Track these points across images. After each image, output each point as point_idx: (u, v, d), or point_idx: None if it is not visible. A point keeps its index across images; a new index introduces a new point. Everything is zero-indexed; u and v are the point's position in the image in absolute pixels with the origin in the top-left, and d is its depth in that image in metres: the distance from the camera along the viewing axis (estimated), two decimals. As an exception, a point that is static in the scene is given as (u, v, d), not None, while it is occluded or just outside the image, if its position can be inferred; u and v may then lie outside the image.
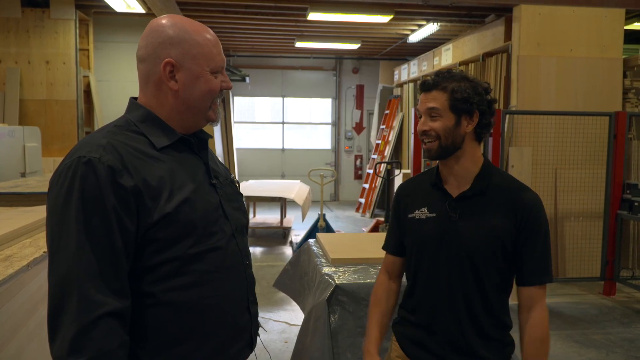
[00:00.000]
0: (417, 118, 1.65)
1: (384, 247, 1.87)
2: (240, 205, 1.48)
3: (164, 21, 1.32)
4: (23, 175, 5.75)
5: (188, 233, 1.25)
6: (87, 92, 7.51)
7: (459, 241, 1.59)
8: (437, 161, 1.68)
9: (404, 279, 1.81)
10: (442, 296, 1.62)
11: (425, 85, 1.62)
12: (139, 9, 6.42)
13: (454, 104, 1.56)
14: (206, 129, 1.44)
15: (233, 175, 1.57)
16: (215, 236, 1.31)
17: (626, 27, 6.32)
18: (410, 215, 1.70)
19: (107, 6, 6.58)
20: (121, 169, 1.19)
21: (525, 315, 1.59)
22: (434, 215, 1.64)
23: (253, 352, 1.49)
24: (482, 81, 1.63)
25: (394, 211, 1.80)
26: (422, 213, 1.67)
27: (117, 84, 8.06)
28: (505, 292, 1.64)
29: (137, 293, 1.22)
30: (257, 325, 1.49)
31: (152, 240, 1.22)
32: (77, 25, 6.86)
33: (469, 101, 1.56)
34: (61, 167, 1.20)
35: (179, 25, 1.31)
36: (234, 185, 1.50)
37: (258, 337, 1.51)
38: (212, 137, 1.49)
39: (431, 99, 1.58)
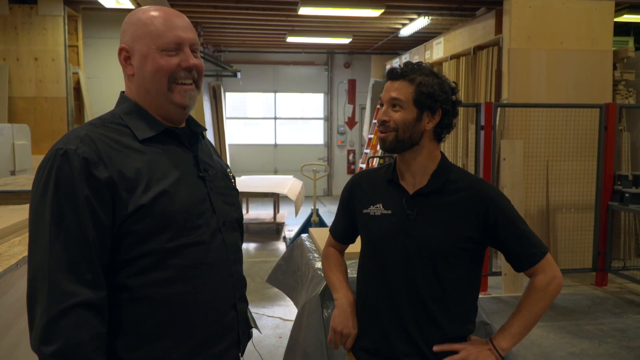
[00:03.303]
0: (379, 106, 1.61)
1: (331, 229, 1.85)
2: (233, 200, 1.44)
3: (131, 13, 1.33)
4: (13, 173, 5.70)
5: (166, 226, 1.23)
6: (77, 89, 7.44)
7: (417, 239, 1.53)
8: (394, 156, 1.64)
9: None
10: (399, 296, 1.55)
11: (392, 73, 1.56)
12: (128, 4, 6.37)
13: (418, 97, 1.51)
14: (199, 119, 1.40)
15: (230, 171, 1.53)
16: (199, 230, 1.28)
17: (616, 20, 6.34)
18: (364, 211, 1.64)
19: (96, 2, 6.51)
20: (96, 160, 1.18)
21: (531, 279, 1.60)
22: (389, 212, 1.59)
23: (247, 348, 1.45)
24: (450, 80, 1.59)
25: (345, 200, 1.75)
26: (377, 209, 1.61)
27: (107, 81, 8.00)
28: (468, 292, 1.60)
29: (115, 286, 1.21)
30: (247, 326, 1.45)
31: (128, 232, 1.20)
32: (66, 21, 6.79)
33: (434, 98, 1.51)
34: (42, 160, 1.21)
35: (135, 11, 1.32)
36: (227, 180, 1.45)
37: (251, 336, 1.46)
38: (206, 129, 1.46)
39: (396, 88, 1.53)
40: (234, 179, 1.51)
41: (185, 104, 1.31)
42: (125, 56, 1.30)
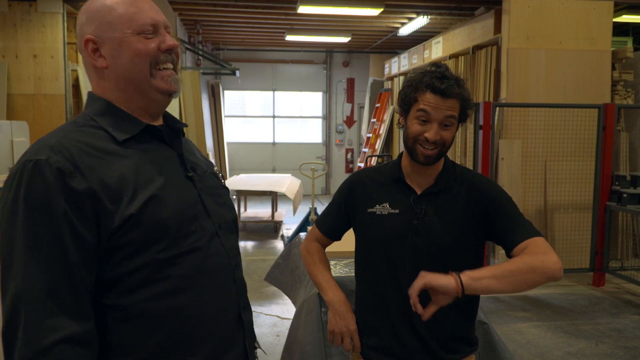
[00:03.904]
0: (422, 120, 1.49)
1: (316, 222, 1.82)
2: (225, 200, 1.32)
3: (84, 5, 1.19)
4: (11, 170, 5.69)
5: (159, 235, 1.10)
6: (76, 87, 7.43)
7: (428, 238, 1.53)
8: (400, 155, 1.64)
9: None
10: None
11: (445, 90, 1.46)
12: (127, 2, 6.36)
13: (463, 115, 1.52)
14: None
15: (217, 167, 1.41)
16: (193, 236, 1.15)
17: (614, 20, 6.35)
18: (370, 210, 1.62)
19: (95, -1, 6.50)
20: (72, 170, 1.05)
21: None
22: (397, 211, 1.58)
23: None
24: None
25: (343, 196, 1.72)
26: (383, 208, 1.59)
27: (106, 78, 7.99)
28: None
29: (106, 307, 1.08)
30: (253, 336, 1.33)
31: (116, 247, 1.07)
32: (65, 18, 6.78)
33: (469, 113, 1.53)
34: (9, 175, 1.07)
35: (92, 1, 1.18)
36: (216, 178, 1.34)
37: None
38: (186, 125, 1.33)
39: (450, 107, 1.48)
40: (222, 176, 1.40)
41: (171, 89, 1.20)
42: (92, 48, 1.16)
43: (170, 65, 1.20)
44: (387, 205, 1.60)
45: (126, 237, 1.07)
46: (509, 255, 1.52)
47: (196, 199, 1.20)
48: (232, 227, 1.31)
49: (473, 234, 1.55)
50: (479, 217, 1.55)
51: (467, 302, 1.55)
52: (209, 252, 1.19)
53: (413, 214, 1.56)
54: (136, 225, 1.08)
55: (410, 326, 1.56)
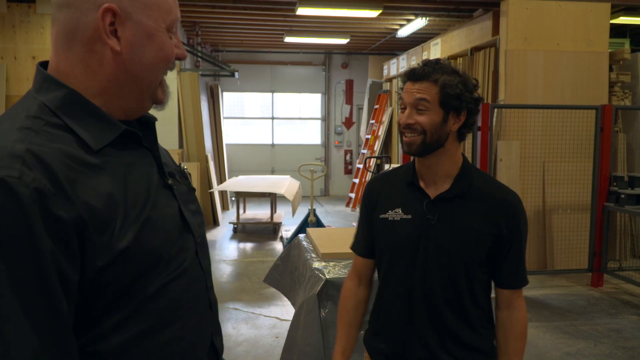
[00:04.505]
0: (401, 108, 1.49)
1: (352, 248, 1.72)
2: (197, 206, 1.09)
3: None
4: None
5: (150, 267, 0.90)
6: (75, 89, 7.44)
7: (438, 246, 1.47)
8: (414, 158, 1.55)
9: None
10: (418, 305, 1.50)
11: (414, 74, 1.45)
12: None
13: (444, 99, 1.42)
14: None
15: (183, 165, 1.18)
16: (178, 258, 0.95)
17: (612, 21, 6.37)
18: (382, 216, 1.55)
19: (94, 1, 6.51)
20: (54, 192, 0.78)
21: (505, 313, 1.55)
22: (409, 216, 1.51)
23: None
24: (471, 77, 1.51)
25: (363, 208, 1.65)
26: (396, 214, 1.53)
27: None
28: (485, 299, 1.56)
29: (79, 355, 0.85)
30: None
31: (100, 286, 0.84)
32: (64, 20, 6.79)
33: (460, 98, 1.43)
34: None
35: None
36: (186, 180, 1.11)
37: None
38: (156, 119, 1.09)
39: (420, 90, 1.43)
40: (189, 175, 1.16)
41: (164, 101, 1.01)
42: (110, 21, 0.89)
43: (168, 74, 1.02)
44: (399, 210, 1.53)
45: (113, 273, 0.85)
46: (496, 286, 1.56)
47: (177, 213, 0.99)
48: (206, 241, 1.11)
49: (486, 246, 1.48)
50: (498, 231, 1.48)
51: (473, 312, 1.52)
52: (193, 275, 1.00)
53: (425, 220, 1.49)
54: (127, 259, 0.86)
55: (418, 335, 1.52)
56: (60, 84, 0.90)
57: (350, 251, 1.74)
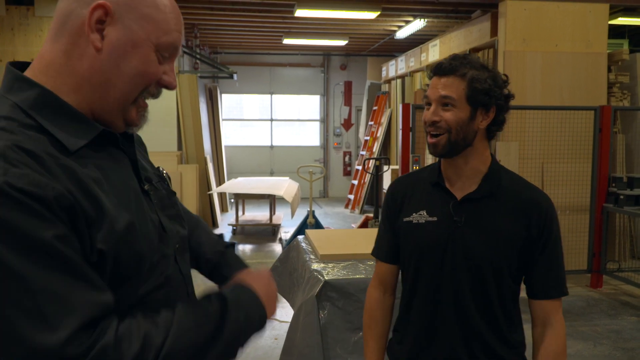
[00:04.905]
0: (426, 105, 1.41)
1: (373, 253, 1.64)
2: (176, 211, 1.07)
3: None
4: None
5: (133, 273, 0.88)
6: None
7: (466, 250, 1.40)
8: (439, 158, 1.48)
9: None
10: (446, 312, 1.43)
11: (440, 68, 1.38)
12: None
13: (472, 94, 1.34)
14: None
15: (162, 168, 1.15)
16: (158, 267, 0.94)
17: (610, 22, 6.38)
18: (406, 219, 1.49)
19: (92, 3, 6.51)
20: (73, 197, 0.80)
21: (540, 330, 1.45)
22: (434, 219, 1.44)
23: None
24: (501, 72, 1.43)
25: (386, 211, 1.58)
26: (420, 217, 1.46)
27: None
28: (513, 303, 1.48)
29: None
30: None
31: None
32: (62, 23, 6.80)
33: (489, 94, 1.35)
34: None
35: None
36: (165, 184, 1.08)
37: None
38: (136, 134, 1.07)
39: (445, 85, 1.36)
40: (169, 178, 1.14)
41: (137, 124, 0.96)
42: (98, 19, 0.87)
43: (151, 100, 0.98)
44: (424, 212, 1.46)
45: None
46: (530, 298, 1.46)
47: (155, 218, 0.97)
48: (186, 245, 1.08)
49: (516, 248, 1.40)
50: (525, 236, 1.40)
51: (501, 317, 1.45)
52: (173, 284, 0.98)
53: (452, 222, 1.42)
54: (107, 268, 0.84)
55: (445, 340, 1.45)
56: (33, 83, 0.87)
57: (350, 252, 1.72)
